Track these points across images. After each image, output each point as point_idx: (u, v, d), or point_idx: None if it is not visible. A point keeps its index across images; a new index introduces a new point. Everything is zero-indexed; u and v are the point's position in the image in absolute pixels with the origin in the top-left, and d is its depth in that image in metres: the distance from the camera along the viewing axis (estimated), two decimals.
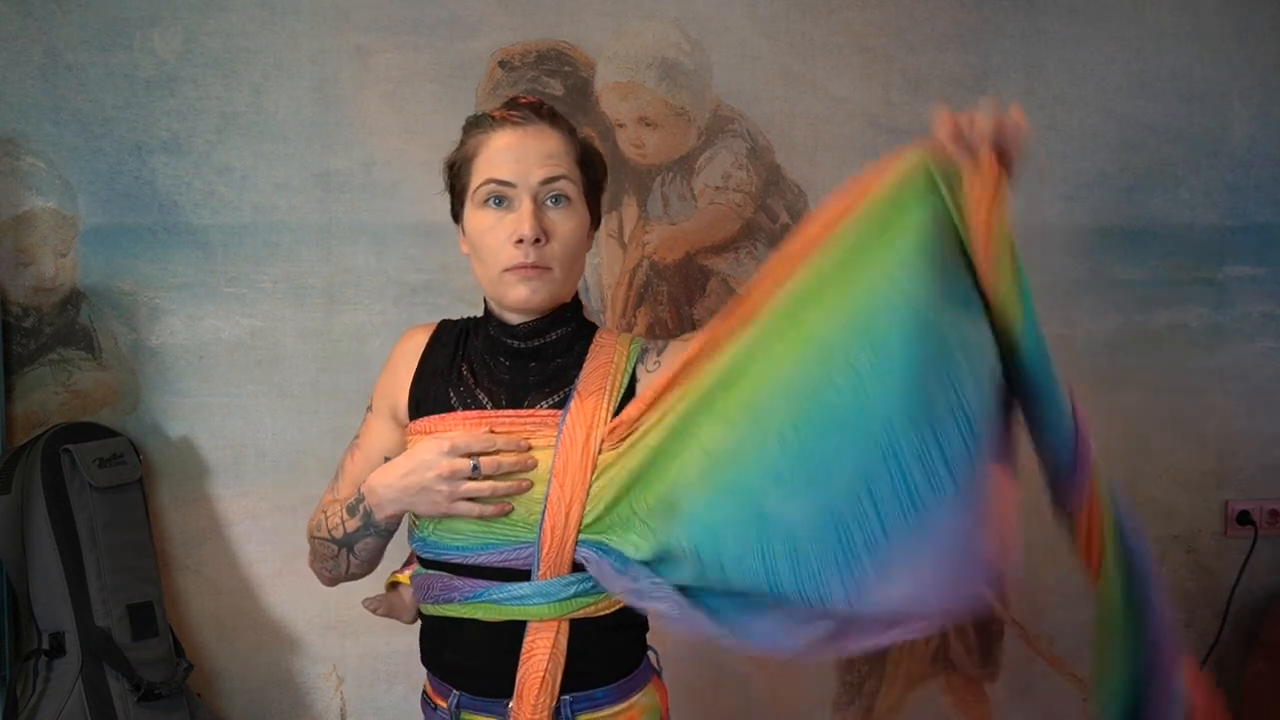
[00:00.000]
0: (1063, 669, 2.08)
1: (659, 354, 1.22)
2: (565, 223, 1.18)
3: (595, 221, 1.27)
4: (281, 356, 1.93)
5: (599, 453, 1.14)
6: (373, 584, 1.94)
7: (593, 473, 1.13)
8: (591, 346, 1.23)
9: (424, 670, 1.31)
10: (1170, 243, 2.07)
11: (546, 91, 1.94)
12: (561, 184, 1.18)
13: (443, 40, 1.93)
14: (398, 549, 1.32)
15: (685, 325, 1.98)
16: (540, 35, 1.94)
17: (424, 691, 1.31)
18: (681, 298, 1.98)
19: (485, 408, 1.20)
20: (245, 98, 1.91)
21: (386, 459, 1.25)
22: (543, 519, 1.13)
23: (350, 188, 1.93)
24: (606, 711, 1.19)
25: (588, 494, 1.13)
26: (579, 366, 1.21)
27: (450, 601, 1.20)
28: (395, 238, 1.93)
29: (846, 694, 2.06)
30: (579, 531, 1.13)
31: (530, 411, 1.18)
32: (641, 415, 1.14)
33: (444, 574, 1.20)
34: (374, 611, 1.36)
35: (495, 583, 1.16)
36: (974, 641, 2.07)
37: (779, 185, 2.00)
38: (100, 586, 1.76)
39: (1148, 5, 2.04)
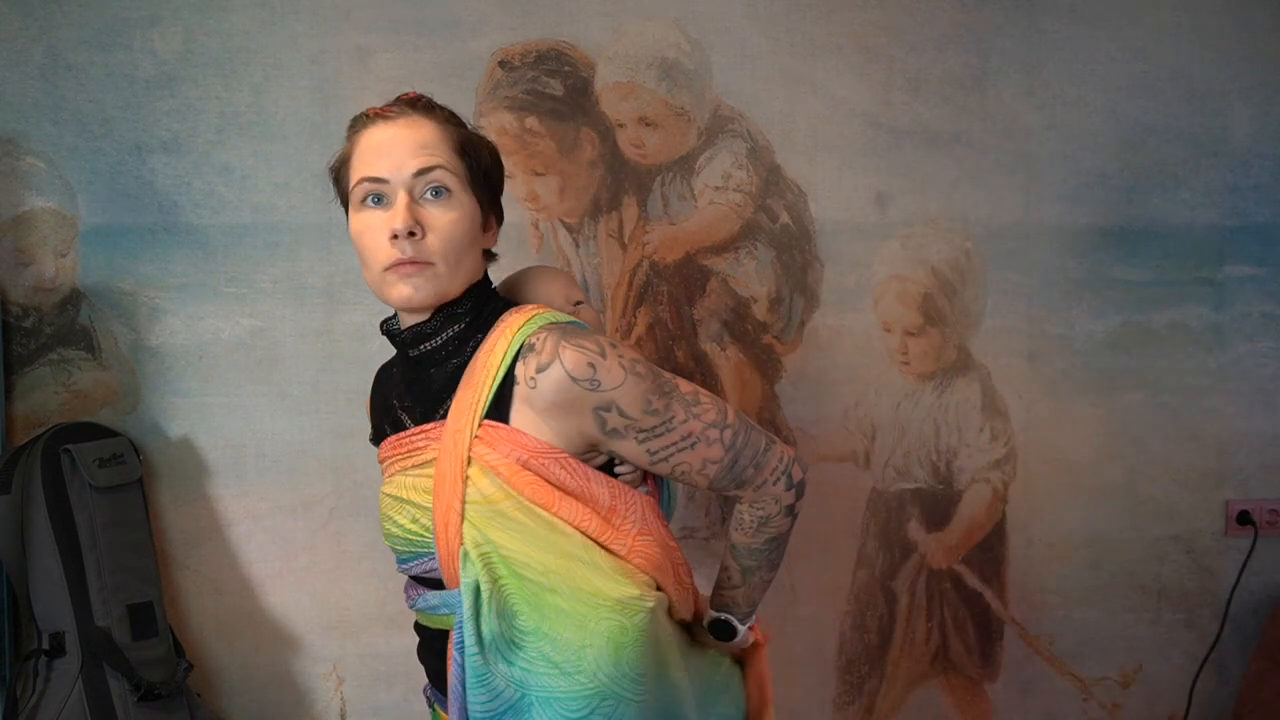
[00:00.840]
0: (1063, 669, 2.08)
1: (531, 359, 1.11)
2: (445, 214, 1.13)
3: (496, 216, 1.23)
4: (281, 356, 1.93)
5: (468, 463, 1.11)
6: (373, 589, 1.95)
7: (464, 483, 1.11)
8: (485, 340, 1.16)
9: (423, 670, 1.31)
10: (1170, 243, 2.07)
11: (546, 92, 1.94)
12: (437, 174, 1.13)
13: (443, 40, 1.93)
14: None
15: (685, 325, 1.98)
16: (540, 35, 1.94)
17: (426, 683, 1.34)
18: (681, 298, 1.98)
19: (407, 427, 1.21)
20: (245, 98, 1.91)
21: None
22: (434, 531, 1.14)
23: None
24: None
25: (463, 503, 1.11)
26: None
27: (411, 607, 1.25)
28: None
29: (847, 694, 2.06)
30: (460, 540, 1.11)
31: (428, 426, 1.18)
32: (502, 469, 1.11)
33: (410, 581, 1.25)
34: None
35: (427, 590, 1.20)
36: (974, 641, 2.07)
37: (779, 185, 2.00)
38: (100, 586, 1.76)
39: (1148, 5, 2.04)
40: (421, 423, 1.19)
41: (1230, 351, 2.08)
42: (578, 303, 1.34)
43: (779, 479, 1.19)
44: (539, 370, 1.10)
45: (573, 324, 1.16)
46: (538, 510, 1.11)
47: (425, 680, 1.31)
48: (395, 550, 1.23)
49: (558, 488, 1.12)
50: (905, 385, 2.03)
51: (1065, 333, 2.05)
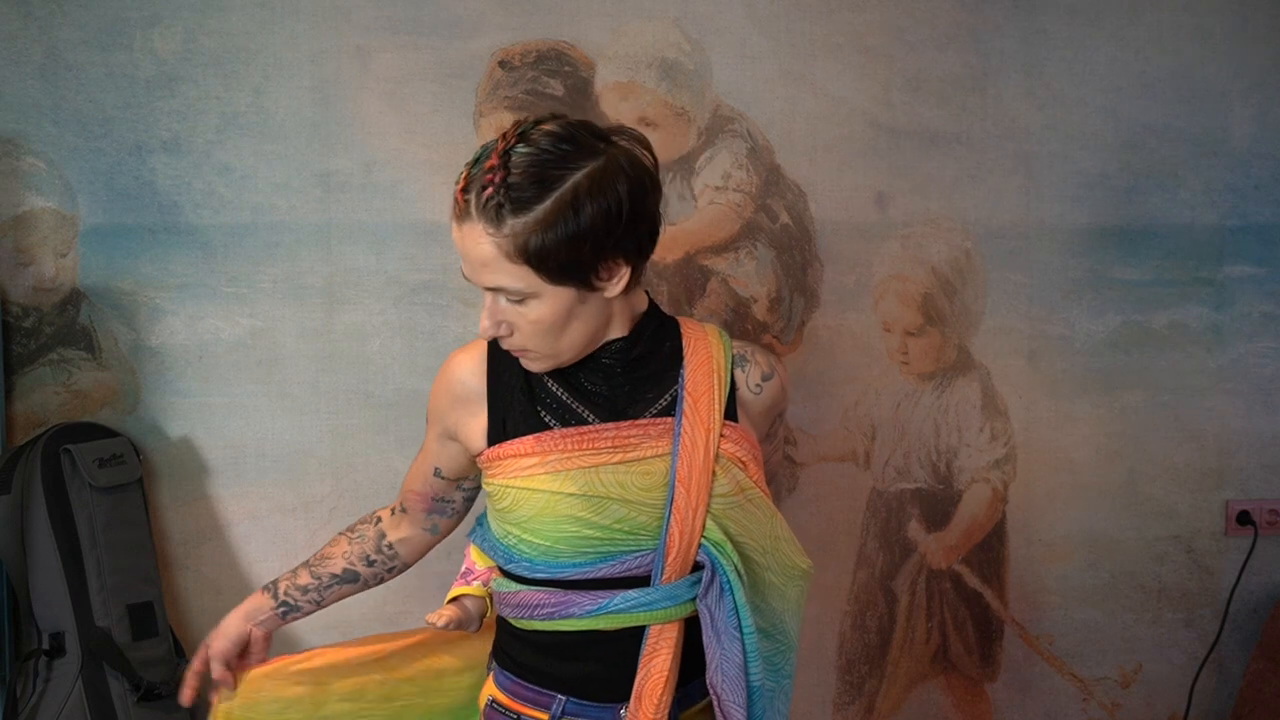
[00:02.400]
0: (1063, 669, 2.08)
1: (751, 368, 1.24)
2: (525, 316, 1.09)
3: (624, 257, 1.09)
4: (281, 356, 1.93)
5: (716, 460, 1.15)
6: (373, 589, 1.94)
7: (713, 477, 1.15)
8: (684, 343, 1.20)
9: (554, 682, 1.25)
10: (1170, 243, 2.07)
11: (546, 92, 1.94)
12: (504, 291, 1.08)
13: (443, 40, 1.93)
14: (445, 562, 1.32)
15: None
16: (540, 35, 1.94)
17: (495, 702, 1.25)
18: (681, 298, 1.98)
19: (589, 423, 1.16)
20: (245, 98, 1.91)
21: (437, 470, 1.28)
22: (667, 525, 1.14)
23: (350, 188, 1.93)
24: (700, 705, 1.22)
25: (710, 497, 1.15)
26: (677, 366, 1.19)
27: (569, 616, 1.17)
28: (395, 238, 1.93)
29: (847, 694, 2.06)
30: (703, 534, 1.15)
31: (639, 422, 1.16)
32: (742, 459, 1.19)
33: (555, 590, 1.17)
34: (442, 627, 1.32)
35: (616, 592, 1.16)
36: (974, 641, 2.07)
37: (779, 185, 2.00)
38: (100, 586, 1.76)
39: (1148, 5, 2.04)
40: (611, 419, 1.16)
41: (1230, 351, 2.08)
42: None
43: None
44: (764, 379, 1.23)
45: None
46: (764, 498, 1.20)
47: (495, 690, 1.27)
48: (575, 552, 1.15)
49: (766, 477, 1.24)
50: (905, 385, 2.03)
51: (1065, 333, 2.05)
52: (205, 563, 1.93)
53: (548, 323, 1.10)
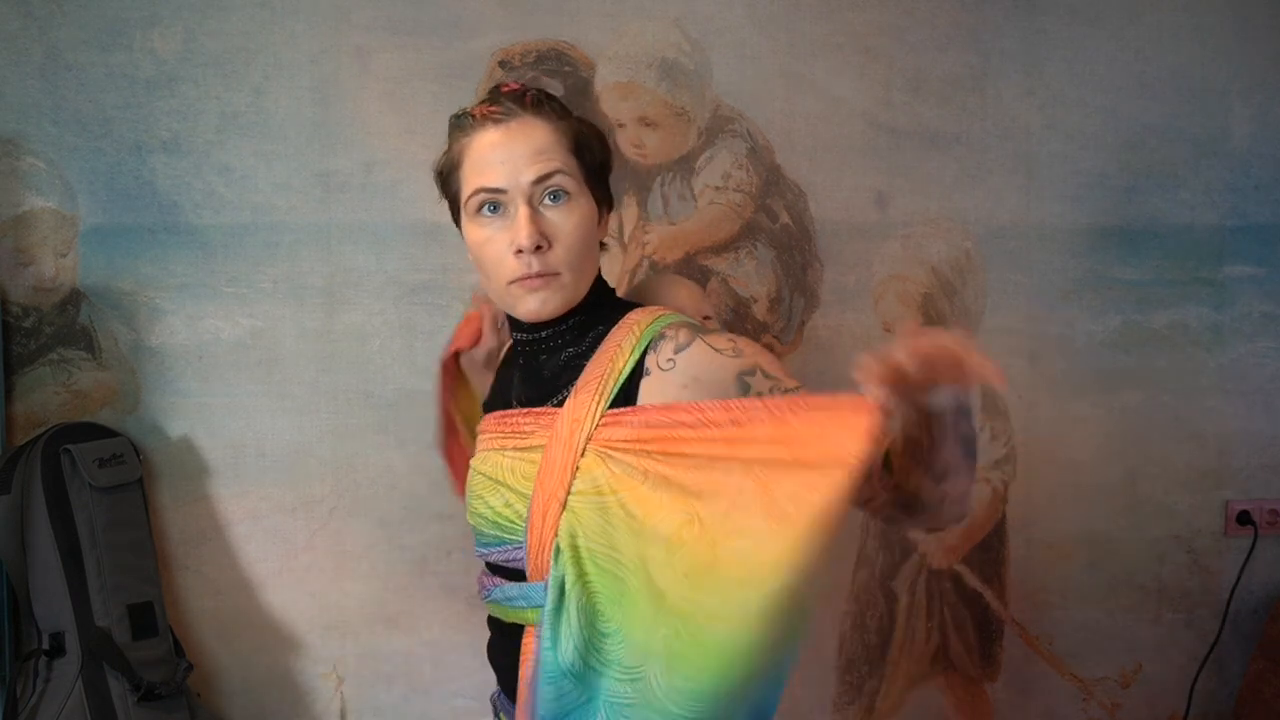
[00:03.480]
0: (1063, 669, 2.08)
1: (664, 345, 1.09)
2: (567, 220, 1.10)
3: (608, 205, 1.19)
4: (281, 356, 1.93)
5: (582, 453, 1.07)
6: (373, 589, 1.95)
7: (573, 474, 1.07)
8: (610, 333, 1.13)
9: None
10: (1170, 243, 2.07)
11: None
12: (557, 179, 1.10)
13: (443, 40, 1.93)
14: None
15: None
16: (540, 35, 1.94)
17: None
18: None
19: (511, 407, 1.19)
20: (245, 98, 1.91)
21: None
22: (529, 518, 1.10)
23: (350, 188, 1.93)
24: None
25: (568, 494, 1.07)
26: (590, 357, 1.13)
27: (483, 599, 1.22)
28: (395, 238, 1.93)
29: (847, 694, 2.06)
30: (555, 534, 1.07)
31: (536, 410, 1.15)
32: (630, 440, 1.05)
33: (485, 570, 1.22)
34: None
35: (506, 581, 1.16)
36: (974, 641, 2.07)
37: (779, 185, 2.00)
38: (100, 586, 1.76)
39: (1148, 5, 2.04)
40: (529, 406, 1.16)
41: (1230, 351, 2.08)
42: (705, 318, 1.28)
43: None
44: (676, 351, 1.08)
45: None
46: (634, 509, 1.05)
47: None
48: (479, 532, 1.19)
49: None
50: None
51: (1065, 333, 2.05)
52: (205, 563, 1.93)
53: (583, 230, 1.12)
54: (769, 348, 1.98)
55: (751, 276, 1.99)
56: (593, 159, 1.15)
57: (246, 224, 1.91)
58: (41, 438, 1.79)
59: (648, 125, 1.96)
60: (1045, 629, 2.08)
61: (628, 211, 1.97)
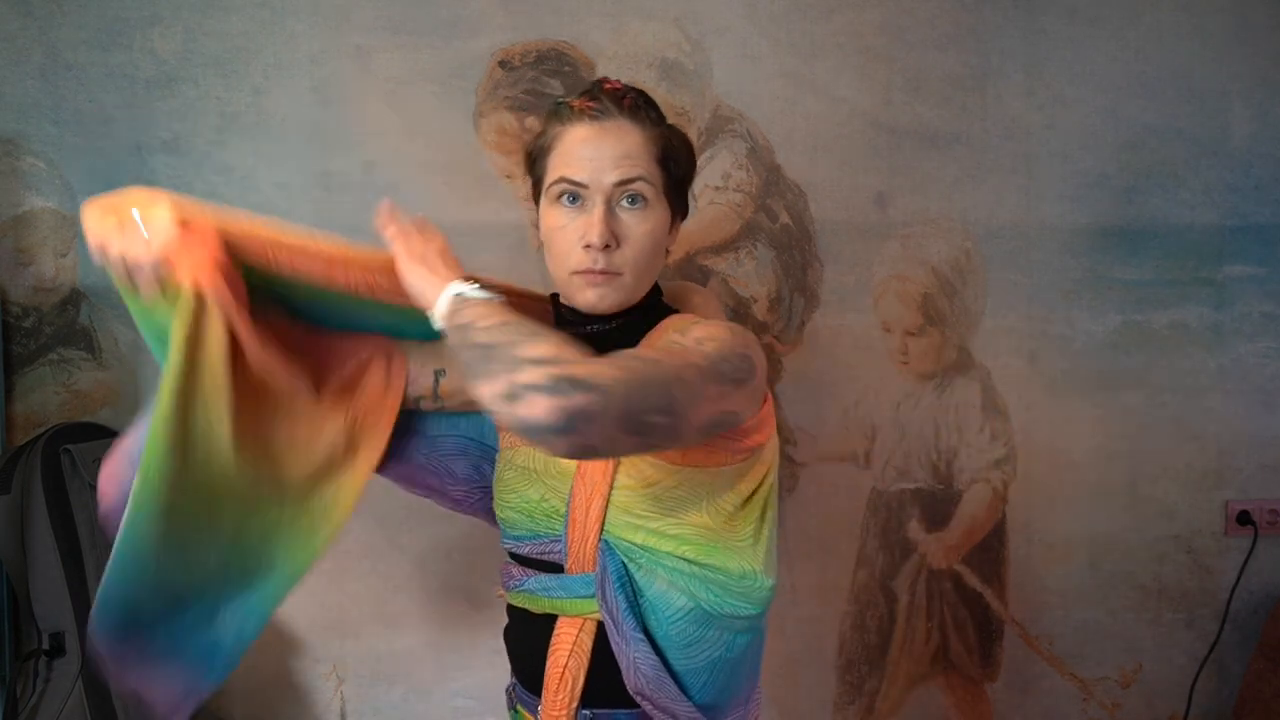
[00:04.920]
0: (1063, 669, 2.08)
1: (689, 324, 1.13)
2: (640, 225, 1.13)
3: (682, 214, 1.22)
4: None
5: None
6: (373, 589, 1.95)
7: (616, 467, 1.11)
8: (647, 335, 1.16)
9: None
10: (1170, 243, 2.07)
11: (546, 92, 1.94)
12: (637, 185, 1.12)
13: (443, 40, 1.93)
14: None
15: None
16: (540, 35, 1.94)
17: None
18: None
19: None
20: (245, 98, 1.91)
21: None
22: (568, 512, 1.13)
23: (350, 188, 1.93)
24: None
25: (611, 487, 1.11)
26: None
27: (509, 589, 1.21)
28: None
29: (847, 694, 2.06)
30: (602, 527, 1.11)
31: None
32: None
33: (513, 562, 1.22)
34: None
35: (540, 573, 1.17)
36: (974, 641, 2.07)
37: (779, 185, 2.00)
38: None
39: (1148, 5, 2.04)
40: None
41: (1230, 351, 2.08)
42: None
43: (572, 359, 0.94)
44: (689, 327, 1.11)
45: None
46: (693, 480, 1.12)
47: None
48: (511, 525, 1.20)
49: None
50: (905, 385, 2.03)
51: (1065, 333, 2.05)
52: None
53: (653, 238, 1.14)
54: (769, 348, 1.99)
55: (751, 276, 1.99)
56: (677, 170, 1.18)
57: None
58: (41, 438, 1.79)
59: None
60: (1045, 629, 2.08)
61: None
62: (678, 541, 1.11)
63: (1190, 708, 2.09)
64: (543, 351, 0.92)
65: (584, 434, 0.89)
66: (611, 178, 1.11)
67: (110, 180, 1.88)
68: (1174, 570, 2.09)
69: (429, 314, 1.05)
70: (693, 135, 1.97)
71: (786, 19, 1.99)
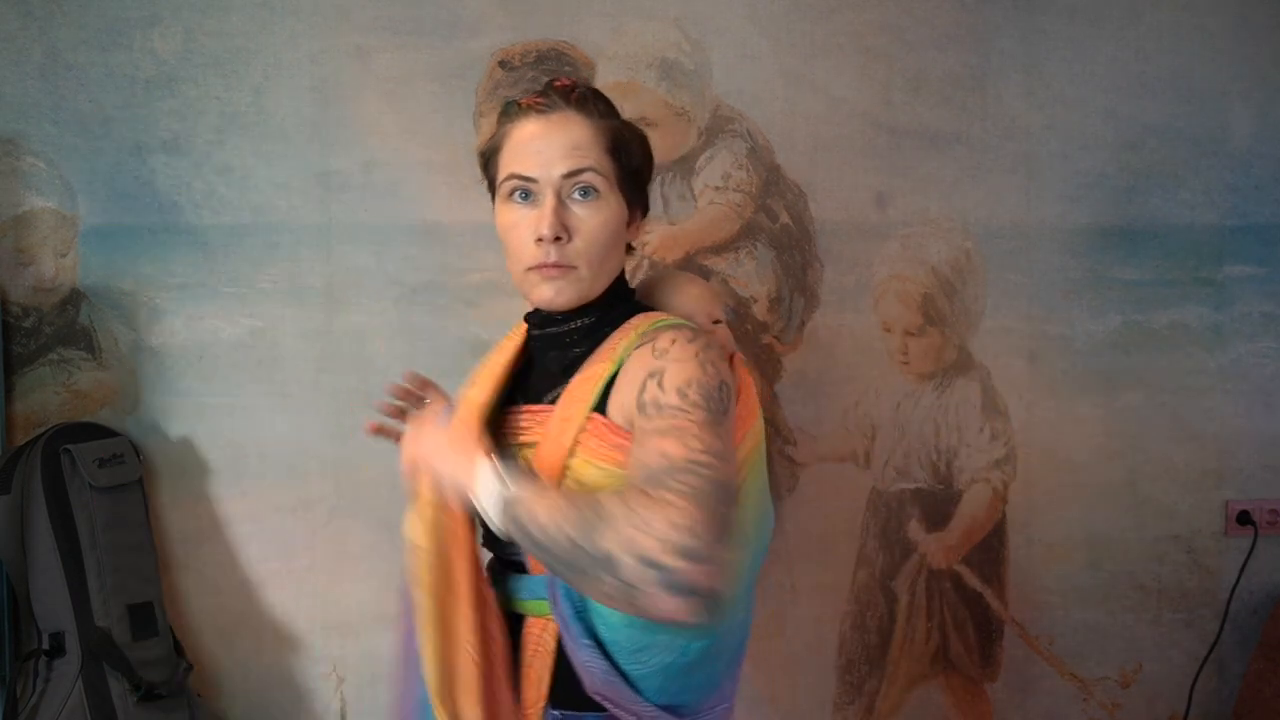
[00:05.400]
0: (1063, 669, 2.08)
1: (658, 356, 1.07)
2: (592, 218, 1.12)
3: (642, 210, 1.21)
4: (281, 356, 1.93)
5: (570, 453, 1.09)
6: (373, 589, 1.95)
7: (561, 474, 1.09)
8: (610, 336, 1.15)
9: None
10: (1170, 243, 2.07)
11: None
12: (587, 176, 1.12)
13: (443, 40, 1.93)
14: None
15: None
16: (540, 35, 1.94)
17: None
18: None
19: (518, 403, 1.20)
20: (245, 98, 1.91)
21: None
22: None
23: (350, 188, 1.93)
24: None
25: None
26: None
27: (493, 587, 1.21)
28: (395, 238, 1.93)
29: (847, 694, 2.06)
30: None
31: (532, 407, 1.17)
32: (598, 453, 1.08)
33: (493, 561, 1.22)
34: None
35: (512, 573, 1.18)
36: (974, 641, 2.07)
37: (779, 185, 2.00)
38: (100, 586, 1.76)
39: (1148, 5, 2.04)
40: (530, 403, 1.18)
41: (1230, 351, 2.08)
42: (716, 321, 1.28)
43: (652, 534, 0.90)
44: (658, 356, 1.07)
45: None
46: None
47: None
48: (479, 525, 1.19)
49: None
50: (905, 385, 2.03)
51: (1065, 333, 2.05)
52: (205, 563, 1.93)
53: (607, 230, 1.13)
54: (769, 348, 1.99)
55: (751, 276, 1.99)
56: (630, 162, 1.17)
57: (246, 224, 1.91)
58: (41, 438, 1.79)
59: (648, 125, 1.95)
60: (1045, 629, 2.08)
61: None
62: None
63: (1190, 708, 2.09)
64: (618, 538, 0.90)
65: (715, 593, 0.89)
66: (560, 169, 1.11)
67: (110, 180, 1.89)
68: (1174, 570, 2.09)
69: (475, 502, 1.05)
70: (693, 135, 1.97)
71: (786, 19, 1.99)
